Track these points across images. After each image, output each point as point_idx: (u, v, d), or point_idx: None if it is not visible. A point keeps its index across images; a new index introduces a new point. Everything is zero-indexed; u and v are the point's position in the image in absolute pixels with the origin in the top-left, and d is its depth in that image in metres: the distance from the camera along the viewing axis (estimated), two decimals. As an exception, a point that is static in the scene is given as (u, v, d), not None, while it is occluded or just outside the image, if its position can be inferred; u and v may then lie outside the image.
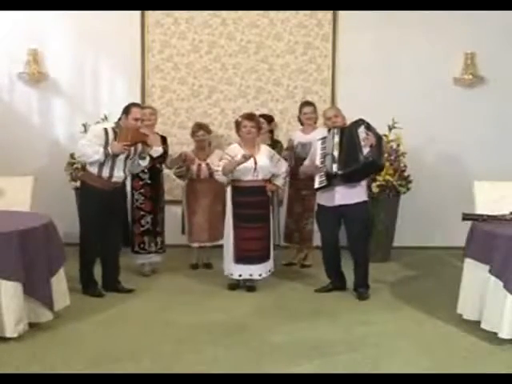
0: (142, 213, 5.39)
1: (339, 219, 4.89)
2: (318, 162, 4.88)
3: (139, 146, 4.88)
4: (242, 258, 5.00)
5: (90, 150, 4.66)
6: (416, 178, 6.09)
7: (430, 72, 6.39)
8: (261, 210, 5.03)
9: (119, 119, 4.82)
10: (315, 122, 5.73)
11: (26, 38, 6.32)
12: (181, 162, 5.59)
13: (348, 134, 4.81)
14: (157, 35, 6.44)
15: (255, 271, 5.01)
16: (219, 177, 5.04)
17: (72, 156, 5.89)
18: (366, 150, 4.68)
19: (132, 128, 4.73)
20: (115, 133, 4.72)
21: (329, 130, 4.96)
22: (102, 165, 4.73)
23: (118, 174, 4.81)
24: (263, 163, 4.98)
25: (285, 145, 5.87)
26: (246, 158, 4.86)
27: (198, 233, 5.66)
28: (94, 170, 4.77)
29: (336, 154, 4.78)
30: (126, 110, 4.77)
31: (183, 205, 5.75)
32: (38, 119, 6.54)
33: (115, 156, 4.71)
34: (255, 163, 4.96)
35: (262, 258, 5.03)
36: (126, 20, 6.31)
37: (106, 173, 4.75)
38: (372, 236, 5.38)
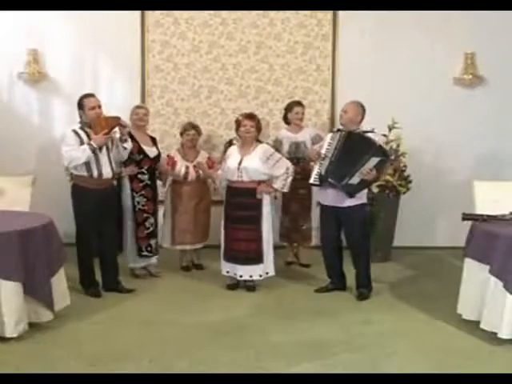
0: (145, 215, 5.34)
1: (338, 219, 4.88)
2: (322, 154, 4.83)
3: (116, 134, 4.90)
4: (229, 257, 5.04)
5: (77, 152, 4.68)
6: (416, 178, 6.09)
7: (430, 72, 6.38)
8: (249, 212, 4.97)
9: (80, 117, 4.85)
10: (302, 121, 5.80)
11: (25, 38, 6.31)
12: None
13: (356, 147, 4.65)
14: (157, 35, 6.44)
15: (240, 271, 5.01)
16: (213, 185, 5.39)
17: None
18: (355, 179, 4.62)
19: (100, 116, 4.78)
20: (83, 131, 4.76)
21: (338, 130, 4.93)
22: (89, 165, 4.74)
23: (107, 170, 4.81)
24: (249, 165, 4.92)
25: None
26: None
27: (183, 235, 5.59)
28: (83, 172, 4.77)
29: (334, 159, 4.73)
30: (80, 105, 4.83)
31: (166, 206, 5.65)
32: (38, 119, 6.53)
33: (95, 153, 4.72)
34: (239, 164, 4.95)
35: (249, 259, 4.98)
36: (126, 20, 6.30)
37: (95, 172, 4.76)
38: (372, 236, 5.37)
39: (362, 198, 4.84)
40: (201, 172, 5.52)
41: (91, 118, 4.76)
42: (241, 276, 5.03)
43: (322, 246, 5.08)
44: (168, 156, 5.57)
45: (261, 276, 5.02)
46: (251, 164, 4.93)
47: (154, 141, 5.53)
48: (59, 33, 6.40)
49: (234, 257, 5.01)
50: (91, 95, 4.90)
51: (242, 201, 4.97)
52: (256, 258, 4.99)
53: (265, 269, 5.03)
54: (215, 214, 5.58)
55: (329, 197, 4.84)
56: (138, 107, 5.56)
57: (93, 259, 4.95)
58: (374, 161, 4.58)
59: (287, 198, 5.66)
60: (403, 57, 6.42)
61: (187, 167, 5.53)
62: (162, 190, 5.70)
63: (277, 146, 5.66)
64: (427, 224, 6.58)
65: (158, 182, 5.60)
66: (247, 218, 4.97)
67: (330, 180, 4.73)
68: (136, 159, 5.28)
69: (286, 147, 5.70)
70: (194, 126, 5.69)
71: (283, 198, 5.69)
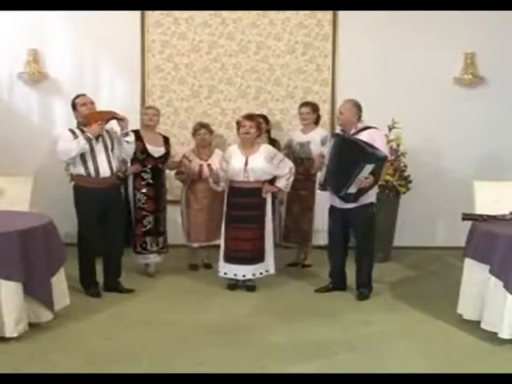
0: (144, 213, 5.39)
1: (346, 220, 4.88)
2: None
3: (117, 132, 4.90)
4: (229, 257, 5.02)
5: (71, 144, 4.69)
6: (416, 178, 6.09)
7: (430, 72, 6.38)
8: (254, 212, 4.98)
9: (76, 118, 4.87)
10: (315, 123, 5.74)
11: (26, 38, 6.32)
12: (179, 167, 5.68)
13: (349, 156, 4.59)
14: (157, 35, 6.44)
15: (240, 271, 5.01)
16: (213, 186, 5.17)
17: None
18: (353, 189, 4.59)
19: (93, 111, 4.80)
20: (80, 130, 4.77)
21: (335, 135, 4.91)
22: (85, 162, 4.74)
23: (104, 168, 4.79)
24: (255, 165, 4.94)
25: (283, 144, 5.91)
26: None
27: (197, 232, 5.66)
28: (80, 170, 4.78)
29: (331, 166, 4.75)
30: (73, 106, 4.86)
31: (182, 204, 5.75)
32: (38, 119, 6.54)
33: (91, 149, 4.71)
34: (246, 164, 4.95)
35: (251, 259, 4.99)
36: (126, 20, 6.30)
37: (92, 170, 4.76)
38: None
39: (369, 197, 4.81)
40: (214, 168, 5.54)
41: (84, 114, 4.77)
42: (244, 276, 5.01)
43: (327, 245, 5.10)
44: (183, 156, 5.69)
45: (261, 274, 5.04)
46: (257, 164, 4.95)
47: (166, 141, 5.57)
48: (59, 33, 6.40)
49: (238, 257, 4.99)
50: (82, 94, 4.92)
51: (247, 201, 4.97)
52: (259, 257, 5.01)
53: (265, 267, 5.06)
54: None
55: (335, 199, 4.85)
56: (147, 107, 5.67)
57: (94, 259, 4.94)
58: (368, 168, 4.52)
59: (290, 198, 5.68)
60: (403, 57, 6.41)
61: (201, 165, 5.58)
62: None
63: (290, 144, 5.75)
64: (427, 224, 6.57)
65: (168, 182, 5.71)
66: (253, 218, 4.98)
67: (328, 189, 4.78)
68: (139, 158, 5.32)
69: (293, 147, 5.74)
70: (203, 125, 5.74)
71: (286, 199, 5.72)
